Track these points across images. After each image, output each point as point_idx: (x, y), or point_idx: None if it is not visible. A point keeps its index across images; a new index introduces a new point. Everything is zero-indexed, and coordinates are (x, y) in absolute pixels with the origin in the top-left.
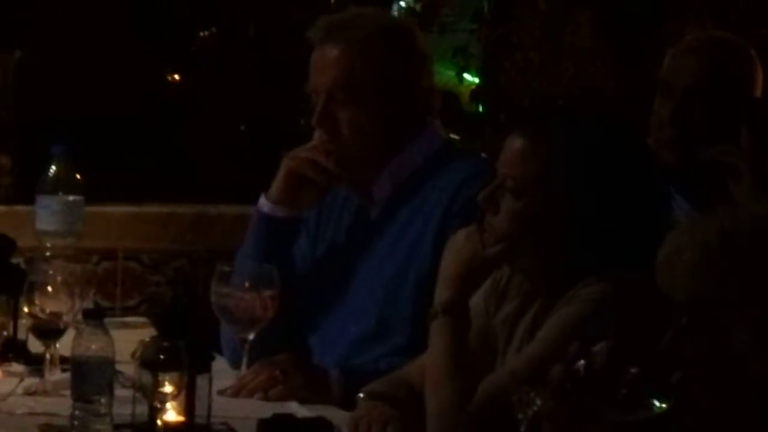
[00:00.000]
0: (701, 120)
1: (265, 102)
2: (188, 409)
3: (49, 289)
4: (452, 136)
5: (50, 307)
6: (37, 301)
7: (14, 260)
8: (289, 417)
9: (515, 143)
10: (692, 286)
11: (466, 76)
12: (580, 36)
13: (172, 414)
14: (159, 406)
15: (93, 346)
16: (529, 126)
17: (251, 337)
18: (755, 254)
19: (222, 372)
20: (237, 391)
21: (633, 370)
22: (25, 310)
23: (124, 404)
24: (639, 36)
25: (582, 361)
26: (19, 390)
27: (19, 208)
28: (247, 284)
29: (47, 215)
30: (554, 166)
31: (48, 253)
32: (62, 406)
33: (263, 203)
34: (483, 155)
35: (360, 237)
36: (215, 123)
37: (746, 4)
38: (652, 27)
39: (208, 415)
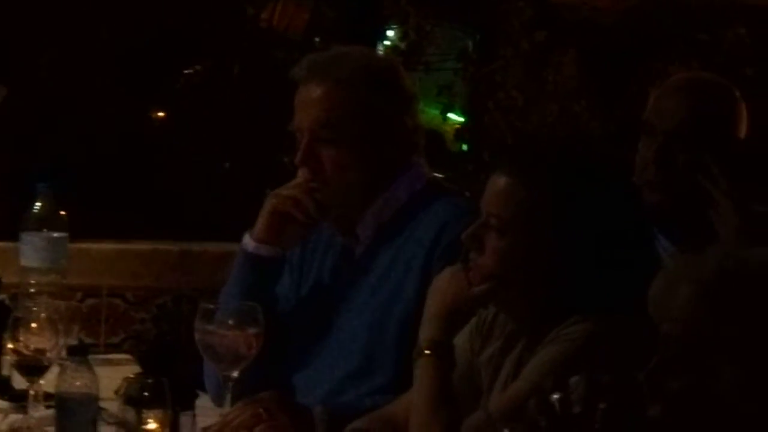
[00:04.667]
0: (685, 161)
1: (250, 140)
2: None
3: (34, 325)
4: (436, 174)
5: (34, 343)
6: (21, 338)
7: None
8: None
9: (499, 182)
10: (687, 321)
11: (451, 114)
12: (564, 76)
13: None
14: None
15: (77, 383)
16: (513, 164)
17: (235, 374)
18: (757, 297)
19: (206, 409)
20: (221, 429)
21: (602, 405)
22: (9, 346)
23: None
24: (624, 76)
25: (557, 396)
26: (3, 426)
27: (4, 244)
28: (231, 322)
29: (32, 252)
30: (538, 204)
31: (32, 290)
32: None
33: (247, 242)
34: (467, 194)
35: (344, 275)
36: (200, 160)
37: (730, 45)
38: (636, 67)
39: None
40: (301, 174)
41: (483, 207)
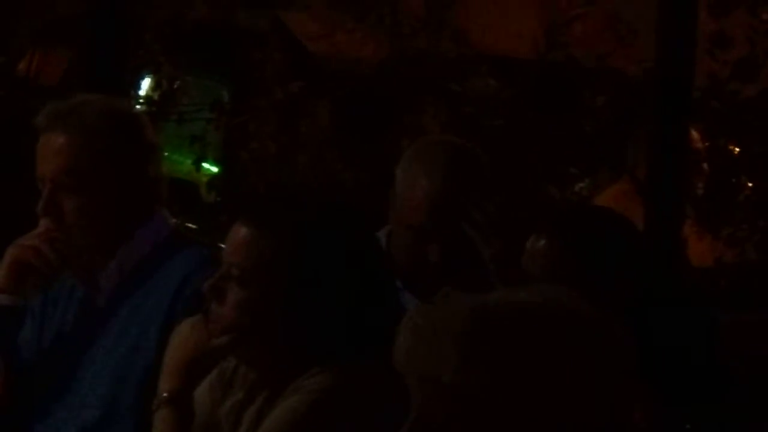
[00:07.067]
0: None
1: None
2: None
3: None
4: (189, 225)
5: None
6: None
7: None
8: None
9: (240, 232)
10: (433, 375)
11: (205, 164)
12: (317, 126)
13: None
14: None
15: None
16: (254, 214)
17: None
18: (498, 350)
19: None
20: None
21: None
22: None
23: None
24: (377, 126)
25: None
26: None
27: None
28: None
29: None
30: (278, 254)
31: None
32: None
33: None
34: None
35: (87, 325)
36: None
37: (478, 98)
38: (390, 117)
39: None
40: (43, 223)
41: (224, 257)
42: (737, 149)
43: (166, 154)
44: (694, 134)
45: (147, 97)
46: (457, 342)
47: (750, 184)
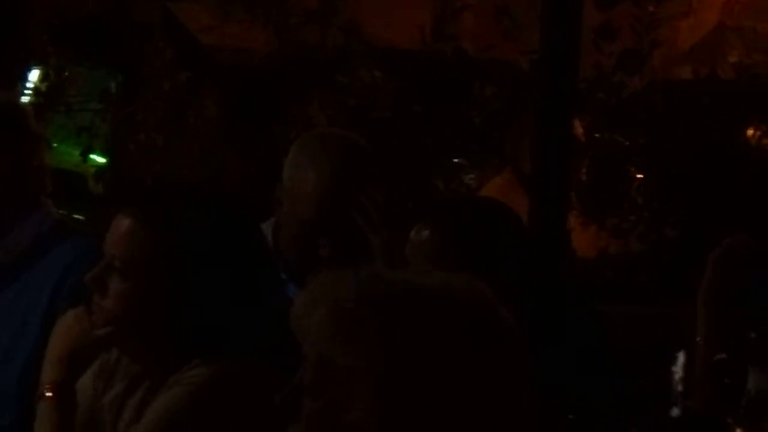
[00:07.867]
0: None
1: None
2: None
3: None
4: (76, 216)
5: None
6: None
7: None
8: None
9: (122, 223)
10: (320, 345)
11: (93, 156)
12: (205, 117)
13: None
14: None
15: None
16: (135, 206)
17: None
18: (396, 322)
19: None
20: None
21: None
22: None
23: None
24: (265, 118)
25: None
26: None
27: None
28: None
29: None
30: (160, 246)
31: None
32: None
33: None
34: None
35: None
36: None
37: (364, 90)
38: (278, 109)
39: None
40: None
41: (107, 248)
42: (625, 141)
43: (53, 145)
44: (576, 124)
45: (35, 88)
46: (338, 310)
47: (639, 176)
